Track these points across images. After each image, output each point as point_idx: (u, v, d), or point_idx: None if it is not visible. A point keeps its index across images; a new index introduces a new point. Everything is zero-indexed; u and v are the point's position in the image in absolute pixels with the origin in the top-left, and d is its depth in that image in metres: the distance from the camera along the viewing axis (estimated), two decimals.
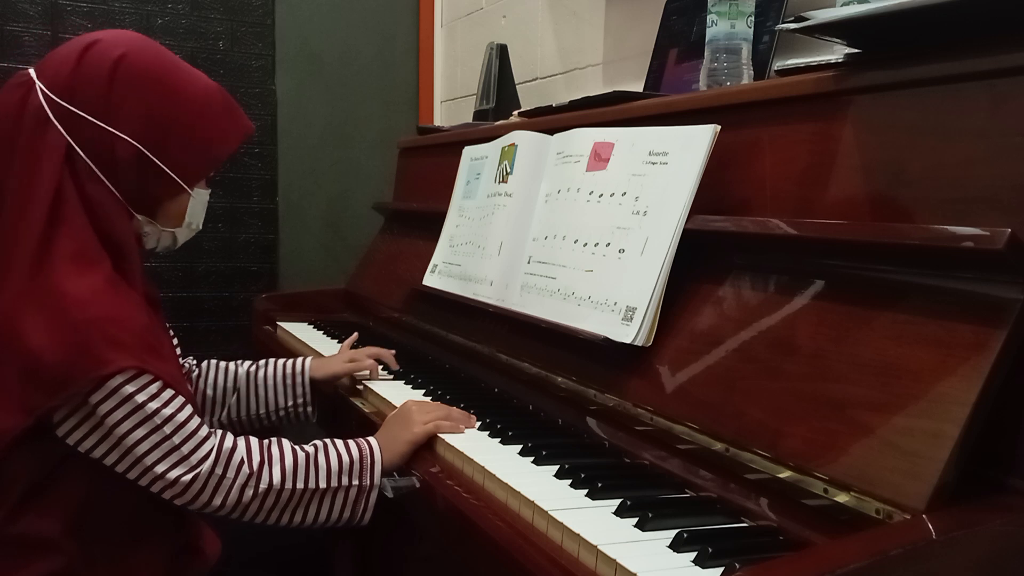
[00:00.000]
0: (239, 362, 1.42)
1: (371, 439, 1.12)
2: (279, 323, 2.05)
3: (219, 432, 1.05)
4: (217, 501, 1.02)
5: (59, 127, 1.02)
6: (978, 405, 0.70)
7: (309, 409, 1.41)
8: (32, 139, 1.02)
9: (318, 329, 1.97)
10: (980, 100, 0.81)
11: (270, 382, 1.40)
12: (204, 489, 1.01)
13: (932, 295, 0.78)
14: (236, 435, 1.07)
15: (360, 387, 1.42)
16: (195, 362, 1.40)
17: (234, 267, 2.58)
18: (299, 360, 1.43)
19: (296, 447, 1.09)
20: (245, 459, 1.04)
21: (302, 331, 1.94)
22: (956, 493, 0.70)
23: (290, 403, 1.40)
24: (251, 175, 2.59)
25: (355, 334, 1.62)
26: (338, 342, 1.79)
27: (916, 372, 0.75)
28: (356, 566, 1.56)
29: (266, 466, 1.05)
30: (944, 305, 0.77)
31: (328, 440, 1.11)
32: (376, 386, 1.39)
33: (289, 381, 1.40)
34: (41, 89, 1.02)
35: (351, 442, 1.11)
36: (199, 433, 1.02)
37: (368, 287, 2.10)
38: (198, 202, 1.15)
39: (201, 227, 1.19)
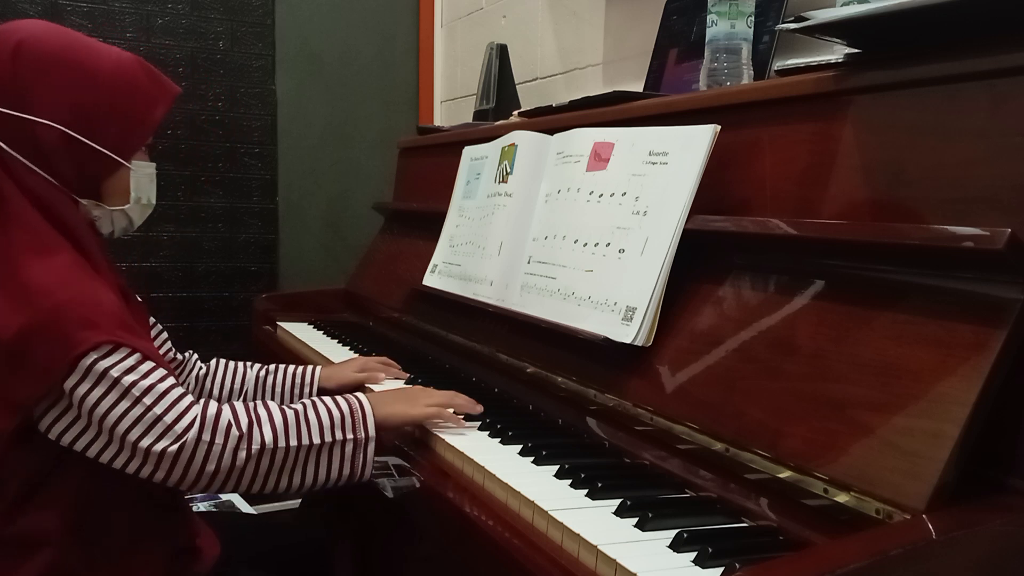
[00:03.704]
0: (248, 364, 1.42)
1: (359, 394, 1.12)
2: (279, 323, 2.05)
3: (202, 400, 1.03)
4: (210, 467, 0.99)
5: None
6: (978, 405, 0.70)
7: None
8: None
9: (318, 329, 1.97)
10: (980, 100, 0.81)
11: (277, 390, 1.39)
12: (194, 458, 0.99)
13: (932, 295, 0.78)
14: None
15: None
16: (197, 357, 1.39)
17: (234, 267, 2.58)
18: (308, 370, 1.42)
19: (283, 407, 1.07)
20: (232, 422, 1.01)
21: (302, 331, 1.94)
22: (956, 493, 0.70)
23: None
24: (251, 175, 2.59)
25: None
26: (339, 342, 1.79)
27: (916, 372, 0.75)
28: (356, 566, 1.56)
29: (255, 426, 1.03)
30: (944, 305, 0.77)
31: (316, 398, 1.10)
32: (376, 386, 1.39)
33: (297, 391, 1.40)
34: None
35: (339, 398, 1.10)
36: (182, 402, 0.99)
37: (368, 287, 2.10)
38: (141, 175, 1.13)
39: (154, 202, 1.17)
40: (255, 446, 1.02)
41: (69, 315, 0.95)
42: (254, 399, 1.39)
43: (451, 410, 1.15)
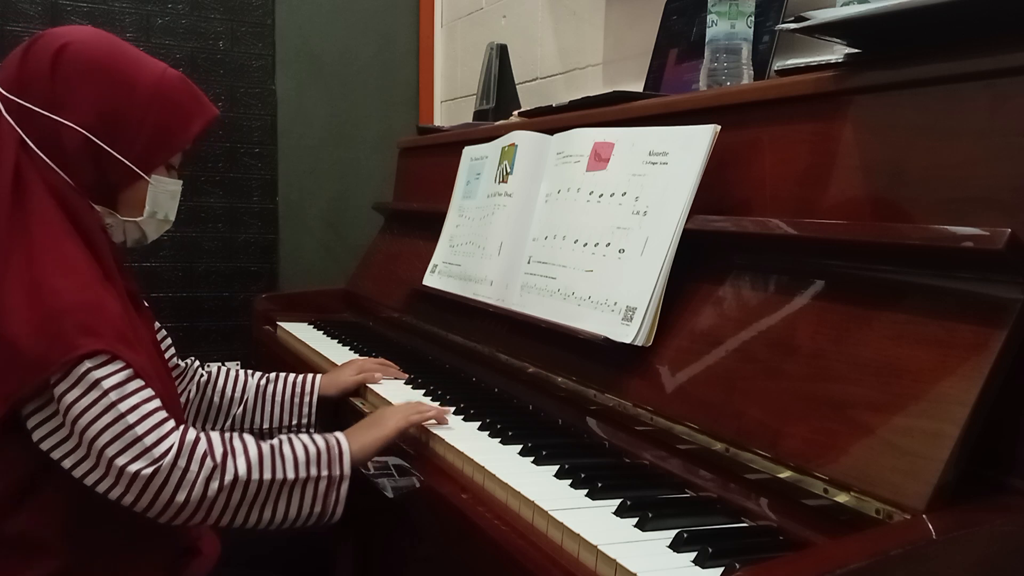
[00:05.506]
0: (250, 372, 1.42)
1: (336, 433, 1.12)
2: (279, 323, 2.05)
3: (181, 427, 1.02)
4: (181, 497, 0.98)
5: (9, 120, 1.04)
6: (978, 405, 0.70)
7: (312, 431, 1.40)
8: None
9: (318, 329, 1.97)
10: (980, 100, 0.81)
11: (278, 399, 1.39)
12: (167, 484, 0.97)
13: (932, 295, 0.78)
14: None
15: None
16: (197, 364, 1.39)
17: (234, 267, 2.58)
18: (309, 379, 1.41)
19: (260, 441, 1.07)
20: (208, 451, 1.00)
21: (302, 331, 1.94)
22: (956, 493, 0.70)
23: (294, 422, 1.39)
24: (251, 175, 2.59)
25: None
26: (339, 342, 1.79)
27: (916, 372, 0.75)
28: (356, 566, 1.55)
29: (230, 457, 1.01)
30: (944, 305, 0.77)
31: (292, 434, 1.10)
32: (376, 386, 1.39)
33: (297, 400, 1.39)
34: None
35: (316, 435, 1.10)
36: (164, 426, 0.98)
37: (368, 287, 2.10)
38: (160, 191, 1.13)
39: (173, 219, 1.18)
40: (228, 477, 1.00)
41: (72, 319, 0.96)
42: (254, 408, 1.39)
43: (419, 414, 1.16)
